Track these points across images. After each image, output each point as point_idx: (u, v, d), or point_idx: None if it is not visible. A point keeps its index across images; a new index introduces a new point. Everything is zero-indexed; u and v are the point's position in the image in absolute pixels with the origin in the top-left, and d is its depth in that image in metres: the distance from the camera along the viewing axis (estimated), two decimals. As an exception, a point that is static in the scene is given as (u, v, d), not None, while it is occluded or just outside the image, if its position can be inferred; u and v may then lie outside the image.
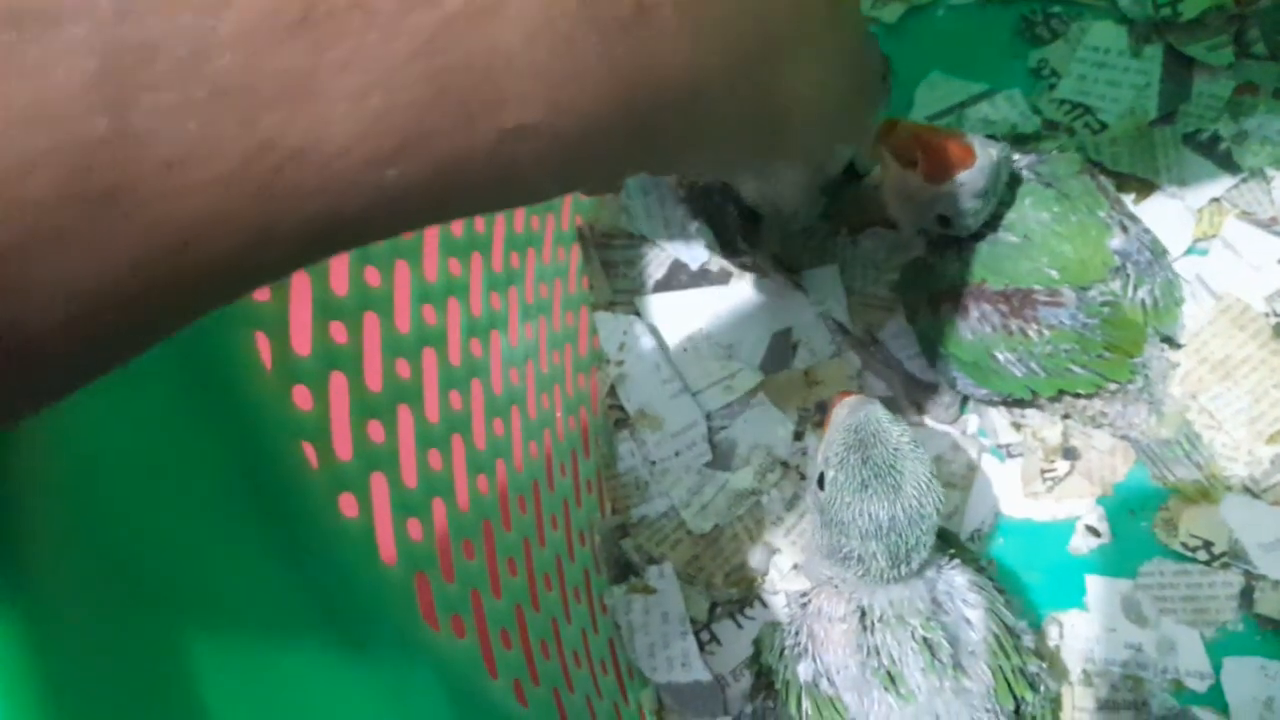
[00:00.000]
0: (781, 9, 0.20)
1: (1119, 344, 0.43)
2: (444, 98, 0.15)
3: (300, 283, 0.27)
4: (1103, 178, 0.46)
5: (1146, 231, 0.45)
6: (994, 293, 0.43)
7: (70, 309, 0.14)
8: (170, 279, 0.14)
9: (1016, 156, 0.45)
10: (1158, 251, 0.45)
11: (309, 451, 0.27)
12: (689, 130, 0.20)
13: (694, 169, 0.25)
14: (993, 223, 0.44)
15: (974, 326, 0.44)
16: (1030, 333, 0.43)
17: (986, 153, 0.40)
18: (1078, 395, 0.45)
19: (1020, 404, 0.47)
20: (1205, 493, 0.46)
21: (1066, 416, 0.48)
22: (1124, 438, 0.47)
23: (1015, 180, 0.44)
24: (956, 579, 0.37)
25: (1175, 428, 0.46)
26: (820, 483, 0.36)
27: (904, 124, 0.42)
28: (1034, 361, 0.43)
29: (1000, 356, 0.44)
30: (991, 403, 0.48)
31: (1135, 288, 0.44)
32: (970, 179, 0.40)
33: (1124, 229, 0.44)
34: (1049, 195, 0.43)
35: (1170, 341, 0.48)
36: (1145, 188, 0.52)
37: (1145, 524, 0.47)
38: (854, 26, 0.24)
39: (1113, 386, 0.44)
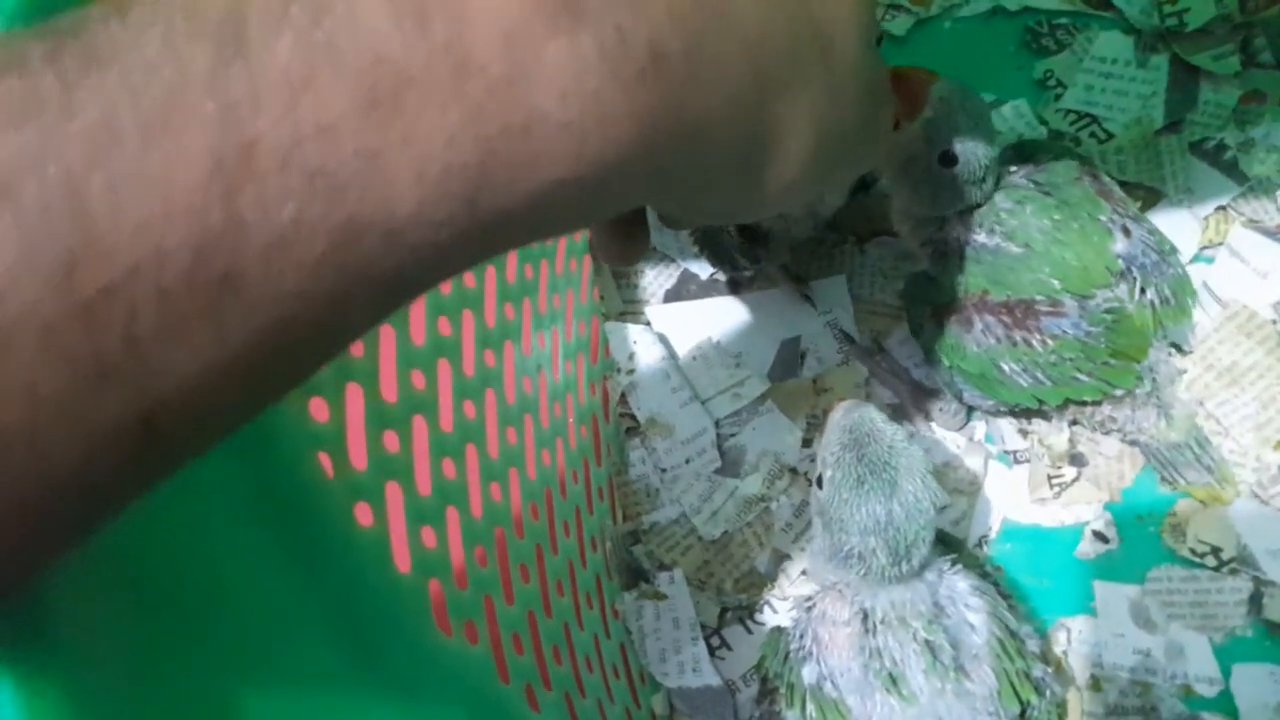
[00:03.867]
0: (777, 49, 0.21)
1: (1124, 351, 0.43)
2: (491, 159, 0.16)
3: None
4: (1105, 179, 0.46)
5: (1152, 232, 0.46)
6: (996, 304, 0.44)
7: (194, 389, 0.15)
8: (273, 353, 0.16)
9: (1014, 168, 0.45)
10: (1165, 250, 0.45)
11: (325, 461, 0.27)
12: (696, 168, 0.21)
13: (702, 212, 0.26)
14: (994, 231, 0.44)
15: (978, 339, 0.44)
16: (1034, 343, 0.43)
17: (944, 84, 0.40)
18: (1084, 403, 0.45)
19: (1028, 414, 0.47)
20: (1217, 496, 0.46)
21: (1075, 423, 0.48)
22: (1133, 443, 0.47)
23: (1014, 188, 0.44)
24: (958, 583, 0.37)
25: (1184, 431, 0.46)
26: (819, 483, 0.37)
27: None
28: (1039, 371, 0.44)
29: (1005, 367, 0.44)
30: (998, 413, 0.49)
31: (1142, 290, 0.44)
32: (945, 92, 0.40)
33: (1126, 232, 0.44)
34: (1049, 203, 0.44)
35: (1178, 348, 0.48)
36: (1152, 196, 0.53)
37: (1153, 530, 0.47)
38: (860, 59, 0.25)
39: (1119, 392, 0.44)
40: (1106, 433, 0.47)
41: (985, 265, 0.44)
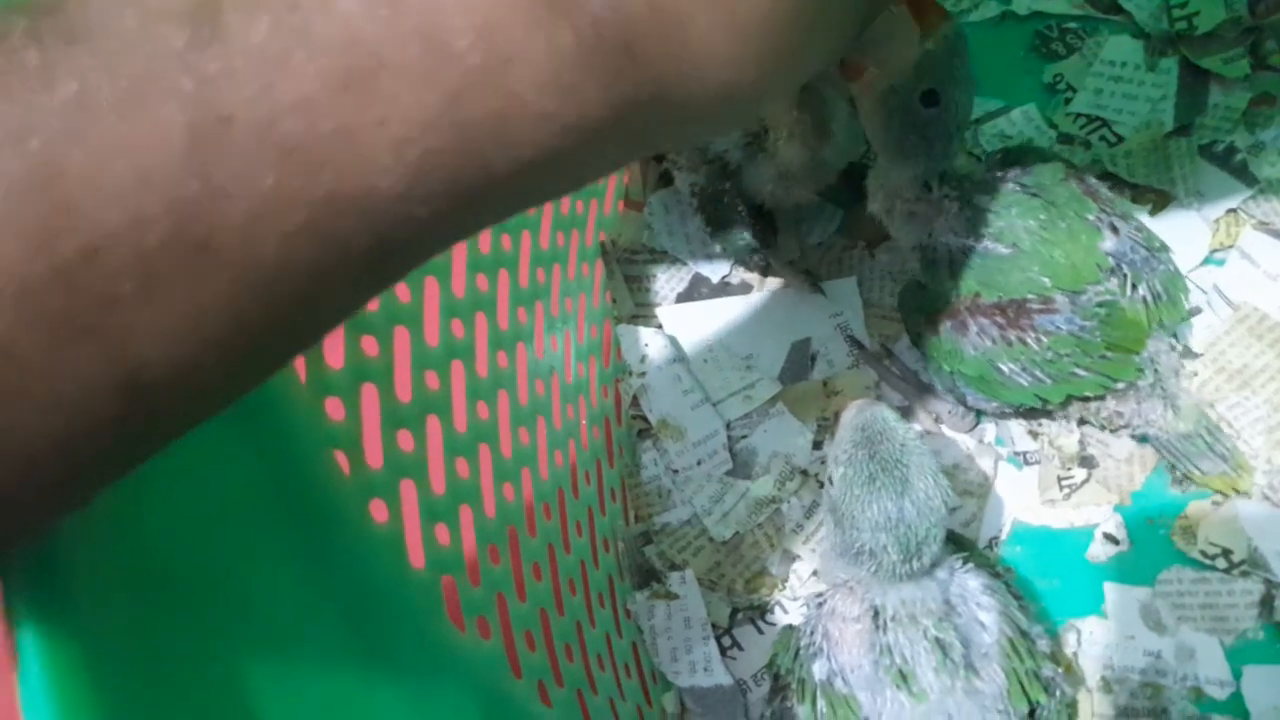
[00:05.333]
0: (769, 22, 0.20)
1: (1119, 343, 0.44)
2: (467, 144, 0.17)
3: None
4: (1092, 180, 0.46)
5: (1140, 229, 0.46)
6: (989, 305, 0.44)
7: (176, 353, 0.15)
8: (256, 320, 0.16)
9: (1000, 172, 0.45)
10: (1154, 247, 0.46)
11: (341, 459, 0.28)
12: (675, 135, 0.22)
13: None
14: (982, 233, 0.44)
15: (974, 341, 0.45)
16: (1029, 341, 0.43)
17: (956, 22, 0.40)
18: (1087, 399, 0.45)
19: (1034, 414, 0.48)
20: (1234, 484, 0.46)
21: (1083, 422, 0.48)
22: (1143, 438, 0.48)
23: (1001, 191, 0.45)
24: (970, 582, 0.38)
25: (1193, 421, 0.46)
26: (831, 480, 0.37)
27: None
28: (1038, 369, 0.44)
29: (1004, 368, 0.44)
30: (1005, 415, 0.49)
31: (1133, 286, 0.44)
32: (950, 32, 0.39)
33: (1114, 230, 0.44)
34: (1035, 204, 0.44)
35: (1185, 347, 0.48)
36: (1162, 199, 0.53)
37: (1163, 532, 0.47)
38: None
39: (1121, 385, 0.45)
40: (1115, 430, 0.48)
41: (975, 268, 0.44)
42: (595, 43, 0.18)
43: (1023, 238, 0.44)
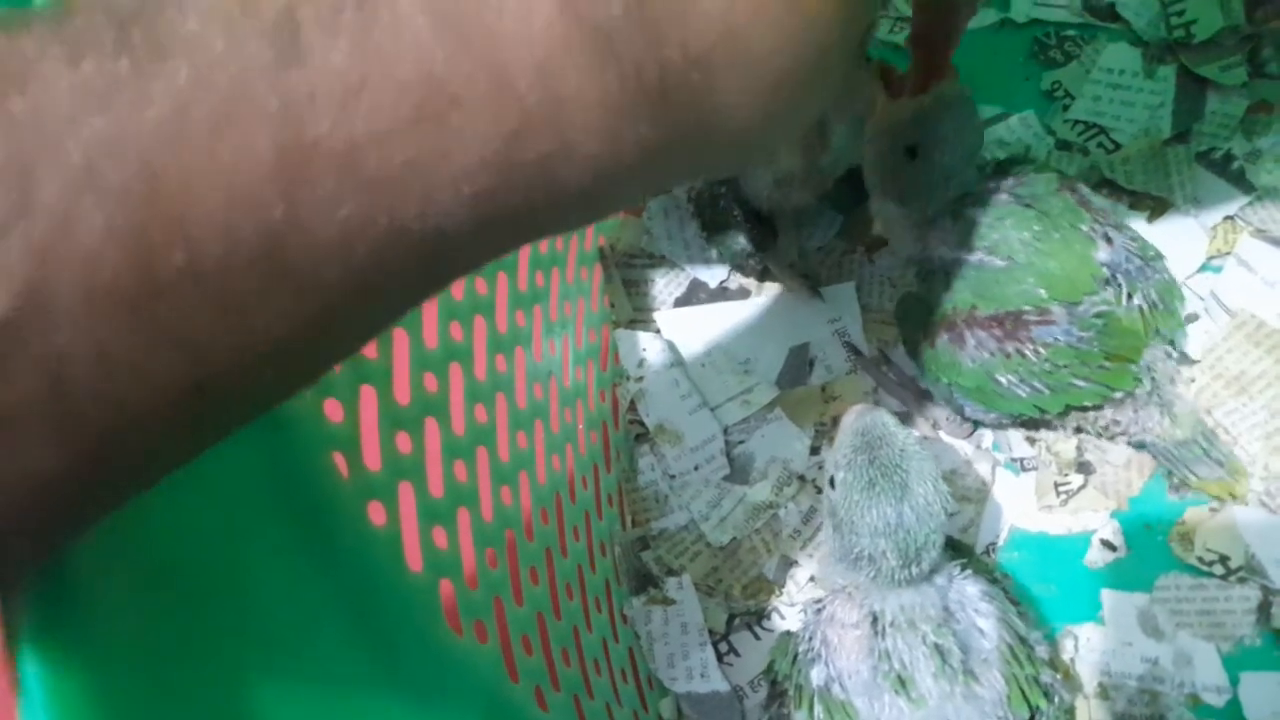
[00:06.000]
0: (786, 75, 0.22)
1: (1117, 352, 0.44)
2: (517, 181, 0.18)
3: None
4: (1085, 190, 0.46)
5: (1135, 239, 0.46)
6: (985, 318, 0.44)
7: (240, 362, 0.16)
8: (310, 336, 0.17)
9: (993, 183, 0.46)
10: (1148, 256, 0.46)
11: (339, 461, 0.28)
12: (694, 172, 0.23)
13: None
14: (977, 246, 0.44)
15: (972, 354, 0.45)
16: (1027, 353, 0.43)
17: (961, 89, 0.41)
18: (1086, 408, 0.45)
19: (1034, 424, 0.48)
20: (1230, 490, 0.46)
21: (1080, 430, 0.48)
22: (1140, 444, 0.48)
23: (994, 203, 0.45)
24: (968, 588, 0.38)
25: (1190, 427, 0.46)
26: (831, 484, 0.37)
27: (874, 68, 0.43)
28: (1036, 380, 0.44)
29: (1002, 380, 0.44)
30: (1002, 425, 0.49)
31: (1129, 296, 0.44)
32: (948, 93, 0.41)
33: (1108, 240, 0.44)
34: (1029, 215, 0.44)
35: (1182, 354, 0.48)
36: (1160, 206, 0.53)
37: (1161, 538, 0.47)
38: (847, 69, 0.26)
39: (1119, 394, 0.45)
40: (1112, 437, 0.48)
41: (970, 280, 0.44)
42: (636, 89, 0.18)
43: (1017, 250, 0.44)
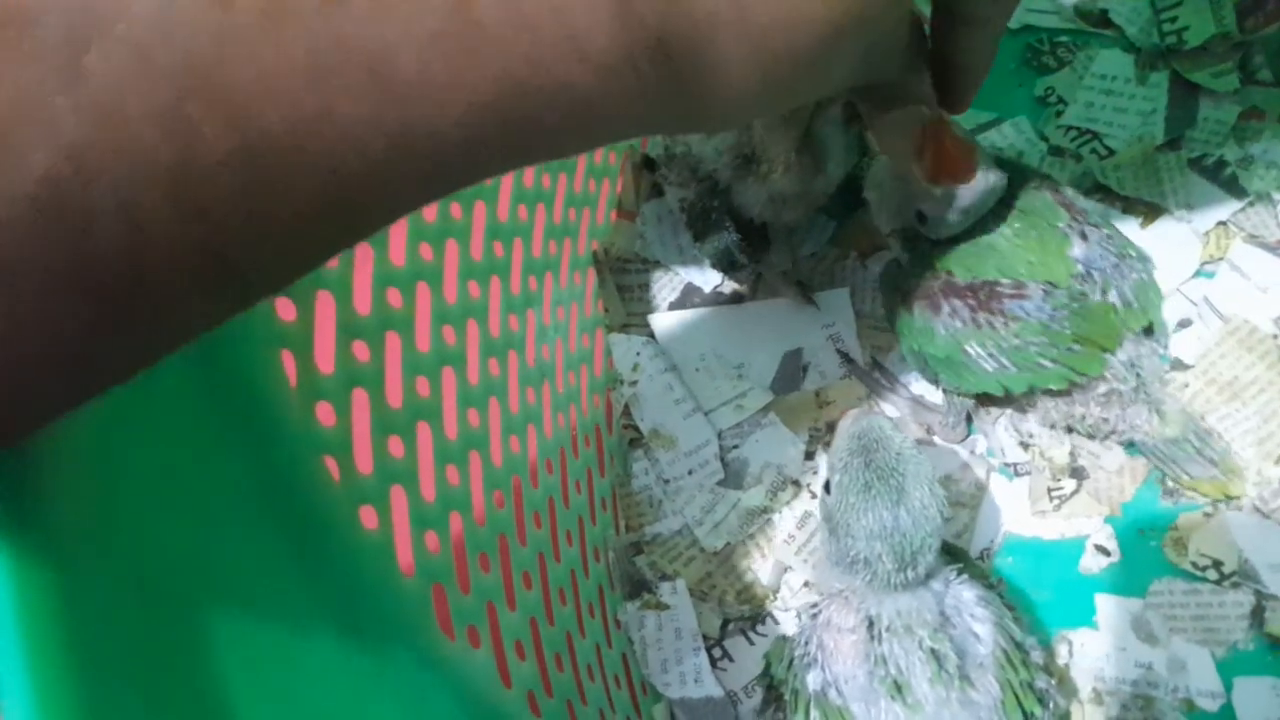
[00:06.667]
0: (792, 50, 0.23)
1: (1089, 337, 0.44)
2: (525, 103, 0.19)
3: (324, 303, 0.28)
4: (1068, 192, 0.46)
5: (1112, 237, 0.46)
6: (961, 286, 0.44)
7: (262, 235, 0.17)
8: (328, 216, 0.18)
9: None
10: (1124, 254, 0.46)
11: (331, 465, 0.28)
12: (676, 125, 0.24)
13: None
14: (960, 235, 0.45)
15: (945, 322, 0.45)
16: (998, 325, 0.44)
17: (986, 176, 0.41)
18: (1052, 393, 0.45)
19: (1011, 403, 0.47)
20: (1225, 489, 0.46)
21: (1071, 430, 0.48)
22: (1132, 445, 0.48)
23: None
24: (964, 593, 0.37)
25: (1180, 426, 0.46)
26: (827, 489, 0.37)
27: (933, 117, 0.42)
28: (1004, 356, 0.44)
29: (971, 350, 0.44)
30: (977, 397, 0.48)
31: (1103, 292, 0.44)
32: (961, 193, 0.41)
33: (1084, 237, 0.45)
34: (1009, 212, 0.44)
35: (1178, 362, 0.49)
36: (1152, 212, 0.53)
37: (1155, 543, 0.47)
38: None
39: (1102, 388, 0.45)
40: (1104, 437, 0.48)
41: (953, 250, 0.45)
42: (641, 39, 0.20)
43: (997, 242, 0.44)
